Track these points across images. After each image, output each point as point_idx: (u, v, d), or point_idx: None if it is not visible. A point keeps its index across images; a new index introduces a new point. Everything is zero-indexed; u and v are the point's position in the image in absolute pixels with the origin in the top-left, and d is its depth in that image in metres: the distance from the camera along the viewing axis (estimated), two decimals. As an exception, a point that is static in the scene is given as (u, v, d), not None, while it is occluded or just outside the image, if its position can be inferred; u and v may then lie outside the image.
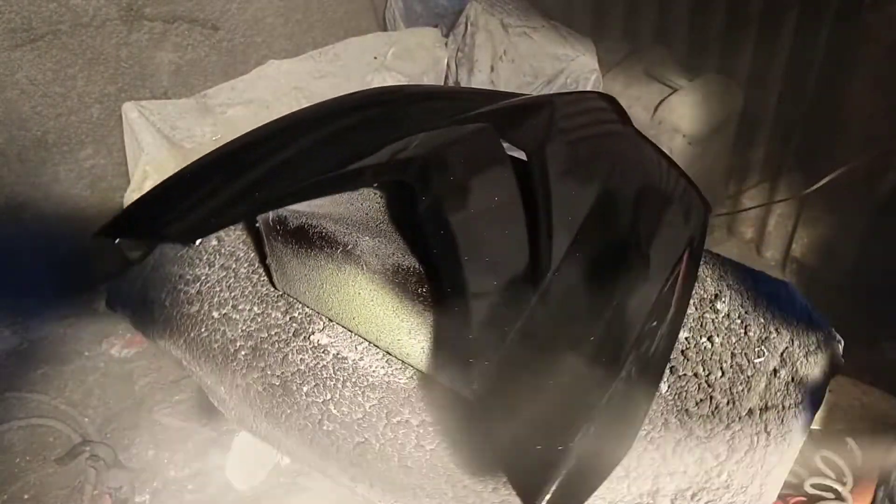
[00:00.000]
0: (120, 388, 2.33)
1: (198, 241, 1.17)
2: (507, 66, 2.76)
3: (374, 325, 1.22)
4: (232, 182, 1.21)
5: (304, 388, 1.22)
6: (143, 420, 2.24)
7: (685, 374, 1.19)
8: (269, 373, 1.25)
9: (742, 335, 1.24)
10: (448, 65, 2.97)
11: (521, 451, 0.87)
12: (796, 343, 1.22)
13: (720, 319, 1.27)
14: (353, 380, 1.22)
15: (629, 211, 1.26)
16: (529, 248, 1.09)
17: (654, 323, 1.06)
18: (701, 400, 1.15)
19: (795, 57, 2.38)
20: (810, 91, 2.38)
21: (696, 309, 1.28)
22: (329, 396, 1.20)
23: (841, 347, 1.26)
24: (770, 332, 1.24)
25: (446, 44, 2.99)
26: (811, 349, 1.21)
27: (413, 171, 1.17)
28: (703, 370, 1.19)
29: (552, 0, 3.01)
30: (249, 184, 1.21)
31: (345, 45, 2.90)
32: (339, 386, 1.22)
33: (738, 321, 1.27)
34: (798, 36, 2.34)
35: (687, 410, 1.13)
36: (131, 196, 2.49)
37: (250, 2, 2.63)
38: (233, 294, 1.39)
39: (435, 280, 1.07)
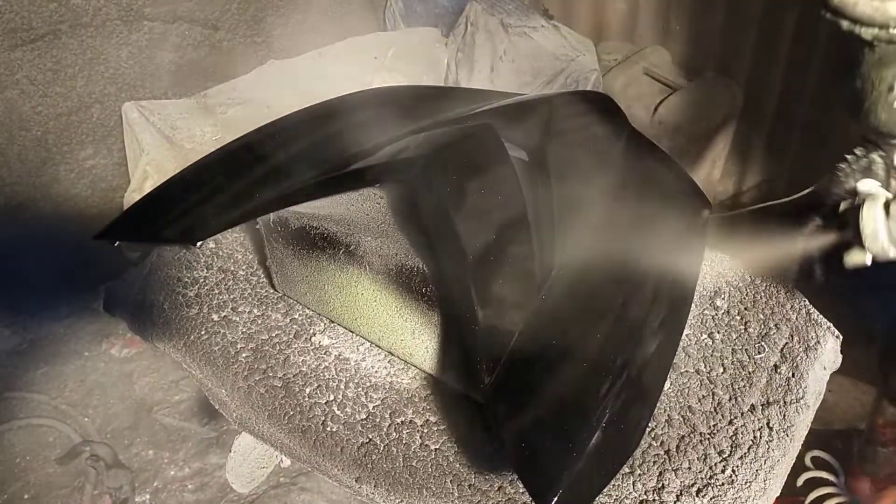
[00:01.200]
0: (120, 388, 2.33)
1: (198, 244, 1.17)
2: (507, 66, 2.76)
3: (377, 325, 1.22)
4: (232, 183, 1.21)
5: (307, 390, 1.21)
6: (143, 420, 2.24)
7: (687, 371, 1.19)
8: (270, 375, 1.24)
9: (742, 331, 1.25)
10: (448, 65, 2.97)
11: (530, 449, 0.87)
12: (796, 339, 1.23)
13: (720, 316, 1.28)
14: (356, 381, 1.22)
15: (630, 209, 1.26)
16: (534, 247, 1.09)
17: (658, 320, 1.07)
18: (703, 396, 1.15)
19: (795, 57, 2.38)
20: (810, 91, 2.39)
21: (696, 306, 1.29)
22: (332, 398, 1.20)
23: (839, 343, 1.26)
24: (770, 329, 1.25)
25: (446, 44, 2.99)
26: (811, 345, 1.22)
27: (415, 171, 1.17)
28: (705, 367, 1.20)
29: (552, 0, 3.01)
30: (250, 185, 1.21)
31: (345, 45, 2.90)
32: (342, 387, 1.21)
33: (738, 317, 1.27)
34: (798, 36, 2.34)
35: (690, 407, 1.13)
36: (131, 196, 2.48)
37: (250, 2, 2.63)
38: (232, 296, 1.38)
39: (439, 280, 1.07)
